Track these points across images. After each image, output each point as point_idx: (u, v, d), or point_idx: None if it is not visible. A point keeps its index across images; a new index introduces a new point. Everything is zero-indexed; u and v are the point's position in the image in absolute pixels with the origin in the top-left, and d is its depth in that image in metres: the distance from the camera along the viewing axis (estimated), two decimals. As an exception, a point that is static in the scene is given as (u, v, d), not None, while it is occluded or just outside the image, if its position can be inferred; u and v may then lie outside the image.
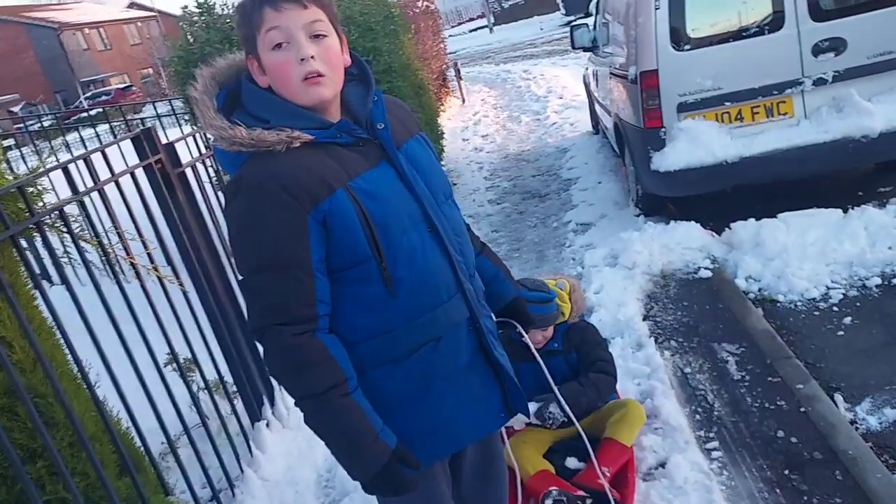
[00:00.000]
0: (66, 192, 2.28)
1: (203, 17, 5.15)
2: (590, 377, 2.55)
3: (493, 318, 1.70)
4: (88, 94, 35.49)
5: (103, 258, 2.47)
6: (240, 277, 1.45)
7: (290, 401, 3.24)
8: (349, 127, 1.44)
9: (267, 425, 3.06)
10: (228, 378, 3.02)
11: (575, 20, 12.11)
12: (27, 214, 2.04)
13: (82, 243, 2.34)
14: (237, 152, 1.39)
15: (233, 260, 2.88)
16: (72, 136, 7.47)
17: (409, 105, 1.70)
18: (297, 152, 1.38)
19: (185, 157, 2.98)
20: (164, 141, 2.87)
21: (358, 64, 1.53)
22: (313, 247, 1.37)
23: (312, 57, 1.37)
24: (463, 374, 1.54)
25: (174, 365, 2.67)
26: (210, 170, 3.35)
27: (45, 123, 7.60)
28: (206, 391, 2.85)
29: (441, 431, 1.54)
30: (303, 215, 1.35)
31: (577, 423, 2.18)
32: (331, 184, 1.37)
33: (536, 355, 1.92)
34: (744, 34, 4.20)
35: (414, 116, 1.64)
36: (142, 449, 2.35)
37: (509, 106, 11.25)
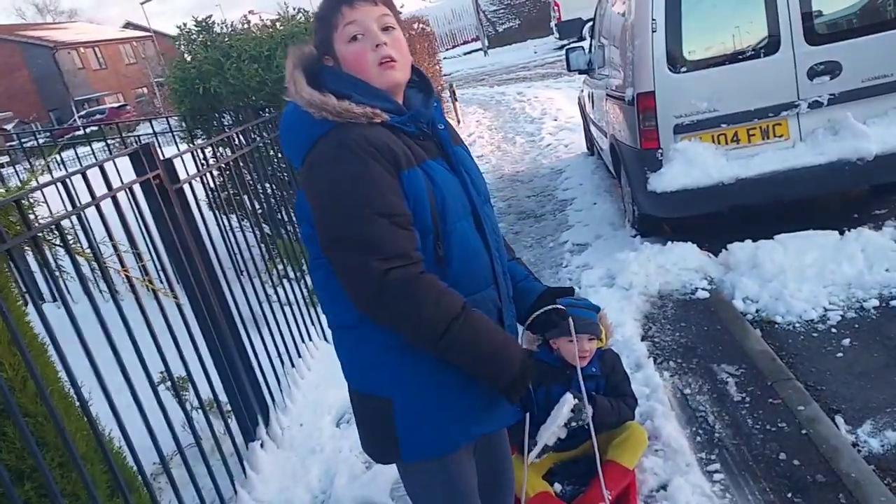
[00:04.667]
0: (57, 208, 2.25)
1: (202, 36, 5.17)
2: (619, 403, 2.56)
3: (517, 324, 1.75)
4: (83, 113, 35.48)
5: (96, 273, 2.44)
6: (343, 238, 1.45)
7: (285, 420, 3.24)
8: (418, 119, 1.58)
9: (261, 445, 3.01)
10: (223, 397, 2.98)
11: (568, 44, 12.20)
12: (19, 228, 2.01)
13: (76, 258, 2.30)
14: (322, 120, 1.49)
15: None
16: (67, 154, 7.43)
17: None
18: (375, 128, 1.49)
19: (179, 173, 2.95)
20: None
21: (417, 72, 1.67)
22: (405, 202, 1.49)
23: (385, 43, 1.53)
24: None
25: (167, 384, 2.63)
26: (208, 186, 3.32)
27: (40, 141, 7.55)
28: (199, 410, 2.80)
29: (478, 410, 1.62)
30: (395, 174, 1.48)
31: (594, 439, 2.13)
32: (409, 158, 1.50)
33: (573, 331, 1.93)
34: (740, 57, 4.23)
35: (455, 130, 1.77)
36: (134, 469, 2.30)
37: (504, 127, 11.29)
